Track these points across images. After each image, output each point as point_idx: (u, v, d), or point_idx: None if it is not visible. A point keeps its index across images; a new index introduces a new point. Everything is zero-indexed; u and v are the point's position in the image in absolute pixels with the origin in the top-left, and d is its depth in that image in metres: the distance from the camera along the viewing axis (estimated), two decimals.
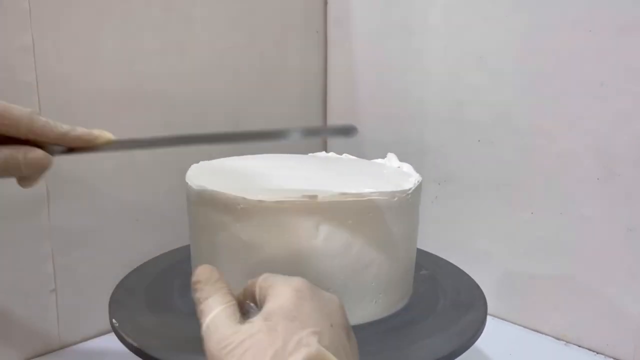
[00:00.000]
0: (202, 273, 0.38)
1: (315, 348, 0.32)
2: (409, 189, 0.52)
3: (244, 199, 0.47)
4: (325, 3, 0.86)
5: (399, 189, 0.51)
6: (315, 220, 0.47)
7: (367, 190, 0.49)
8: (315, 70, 0.87)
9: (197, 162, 0.60)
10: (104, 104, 0.64)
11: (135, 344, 0.47)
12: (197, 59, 0.72)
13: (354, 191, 0.49)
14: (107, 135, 0.42)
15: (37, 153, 0.40)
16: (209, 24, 0.73)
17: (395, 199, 0.50)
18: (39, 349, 0.64)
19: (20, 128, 0.39)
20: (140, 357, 0.47)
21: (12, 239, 0.60)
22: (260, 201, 0.47)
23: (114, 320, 0.51)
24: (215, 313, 0.36)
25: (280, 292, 0.36)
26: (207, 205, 0.50)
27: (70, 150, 0.42)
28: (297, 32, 0.84)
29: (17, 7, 0.57)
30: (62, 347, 0.65)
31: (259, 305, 0.37)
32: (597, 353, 0.66)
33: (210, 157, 0.62)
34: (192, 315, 0.52)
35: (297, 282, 0.37)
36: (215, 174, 0.56)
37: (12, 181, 0.52)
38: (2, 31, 0.56)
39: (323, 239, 0.48)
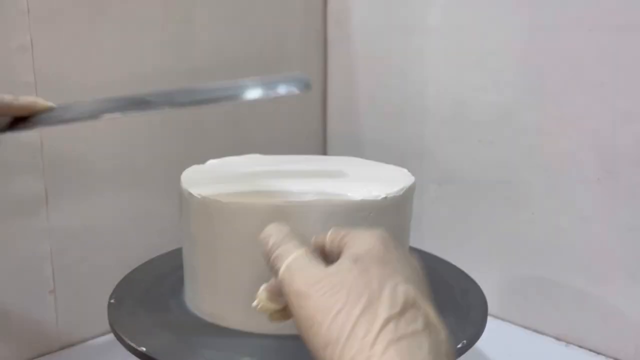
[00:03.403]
0: (271, 228, 0.37)
1: (413, 294, 0.31)
2: (399, 191, 0.51)
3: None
4: (325, 3, 0.86)
5: (390, 191, 0.50)
6: (312, 220, 0.47)
7: (361, 192, 0.49)
8: (315, 70, 0.87)
9: (197, 160, 0.59)
10: None
11: (134, 345, 0.47)
12: (196, 58, 0.72)
13: (350, 193, 0.49)
14: (47, 103, 0.43)
15: None
16: (209, 23, 0.72)
17: (387, 200, 0.50)
18: (38, 349, 0.63)
19: None
20: (139, 357, 0.47)
21: (10, 239, 0.60)
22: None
23: (113, 321, 0.51)
24: (297, 255, 0.34)
25: (365, 239, 0.34)
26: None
27: (14, 124, 0.42)
28: (297, 31, 0.84)
29: (16, 7, 0.57)
30: (61, 348, 0.65)
31: (329, 259, 0.35)
32: (598, 354, 0.66)
33: (207, 157, 0.61)
34: (191, 316, 0.53)
35: (380, 231, 0.35)
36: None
37: (12, 181, 0.52)
38: (0, 31, 0.56)
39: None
